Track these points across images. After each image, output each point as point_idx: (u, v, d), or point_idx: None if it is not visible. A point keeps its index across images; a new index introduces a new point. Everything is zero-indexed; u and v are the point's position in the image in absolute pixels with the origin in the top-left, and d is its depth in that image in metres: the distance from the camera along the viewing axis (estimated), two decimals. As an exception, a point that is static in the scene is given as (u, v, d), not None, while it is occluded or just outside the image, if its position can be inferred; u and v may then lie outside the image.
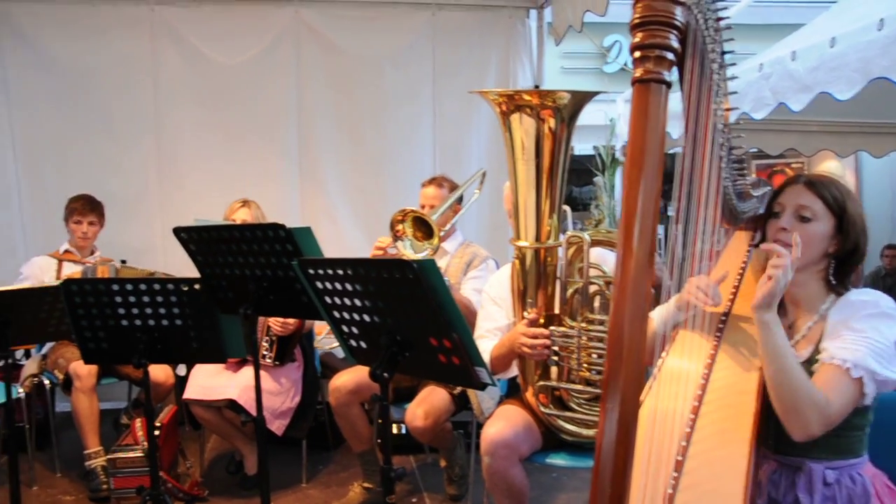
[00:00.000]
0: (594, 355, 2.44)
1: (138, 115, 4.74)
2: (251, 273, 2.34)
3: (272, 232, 2.20)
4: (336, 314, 2.03)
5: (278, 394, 3.55)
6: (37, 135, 4.67)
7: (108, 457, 3.55)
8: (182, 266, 4.63)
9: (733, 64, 1.68)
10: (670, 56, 1.37)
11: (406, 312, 1.82)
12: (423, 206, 3.55)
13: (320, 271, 1.94)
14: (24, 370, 3.99)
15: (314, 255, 2.21)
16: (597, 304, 2.51)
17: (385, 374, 1.89)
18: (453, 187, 3.64)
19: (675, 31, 1.37)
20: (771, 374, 1.66)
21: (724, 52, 1.66)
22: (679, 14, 1.37)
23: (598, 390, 2.46)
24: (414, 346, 1.88)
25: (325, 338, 3.82)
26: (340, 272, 1.88)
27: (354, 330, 2.03)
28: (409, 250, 3.11)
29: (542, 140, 2.37)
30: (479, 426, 3.44)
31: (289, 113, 4.85)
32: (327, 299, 2.00)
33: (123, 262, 4.16)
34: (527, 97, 2.37)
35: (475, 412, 3.31)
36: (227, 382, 3.47)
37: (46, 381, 3.92)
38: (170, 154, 4.80)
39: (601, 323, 2.44)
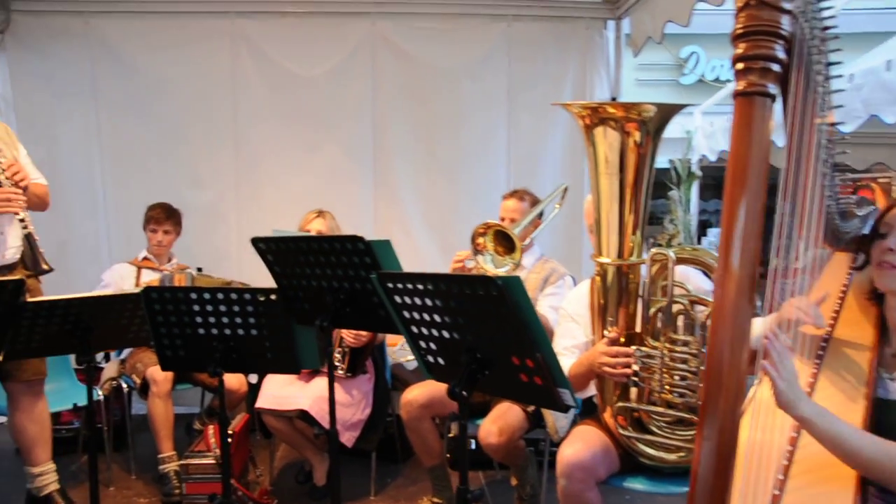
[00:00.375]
0: (677, 377, 2.35)
1: (218, 125, 4.83)
2: (328, 285, 2.32)
3: (350, 244, 2.18)
4: (414, 329, 1.99)
5: (349, 405, 3.54)
6: (122, 144, 4.81)
7: (182, 462, 3.60)
8: (257, 275, 4.66)
9: (839, 76, 1.59)
10: (776, 68, 1.31)
11: (488, 330, 1.77)
12: (502, 219, 3.51)
13: (399, 285, 1.91)
14: (103, 373, 4.08)
15: (393, 268, 2.18)
16: (680, 323, 2.42)
17: (464, 393, 1.84)
18: (534, 201, 3.58)
19: (780, 42, 1.30)
20: (843, 460, 1.53)
21: (829, 64, 1.57)
22: (785, 23, 1.31)
23: (680, 414, 2.37)
24: (495, 365, 1.83)
25: (399, 349, 3.79)
26: (420, 287, 1.85)
27: (433, 346, 1.99)
28: (489, 265, 3.06)
29: (626, 154, 2.30)
30: (553, 445, 3.39)
31: (364, 124, 4.88)
32: (406, 314, 1.97)
33: (199, 270, 4.23)
34: (611, 110, 2.31)
35: (549, 430, 3.24)
36: (299, 393, 3.48)
37: (124, 385, 4.00)
38: (247, 163, 4.88)
39: (685, 344, 2.34)
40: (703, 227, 9.77)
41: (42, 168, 3.48)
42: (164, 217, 4.14)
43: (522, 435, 3.23)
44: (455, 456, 3.85)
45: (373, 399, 3.71)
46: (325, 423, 3.39)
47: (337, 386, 3.47)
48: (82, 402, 3.29)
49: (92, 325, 2.62)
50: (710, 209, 10.89)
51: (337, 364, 3.53)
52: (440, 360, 2.02)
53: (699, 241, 9.07)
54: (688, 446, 2.38)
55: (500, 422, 3.07)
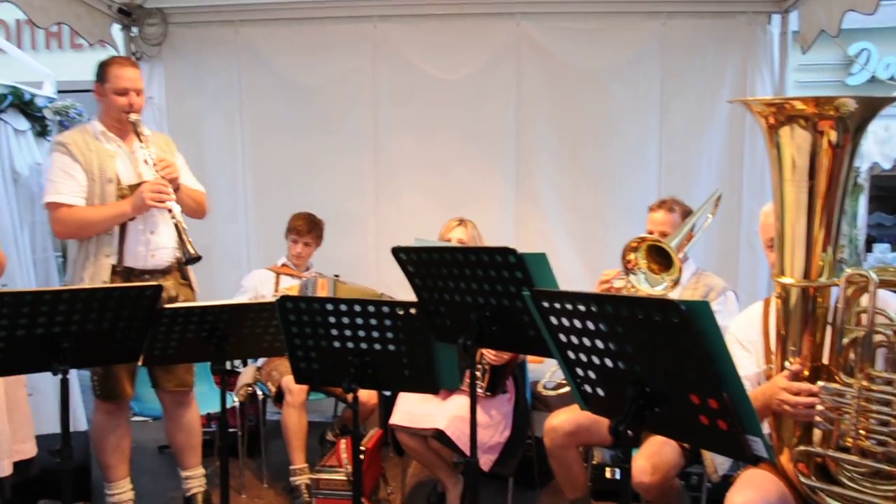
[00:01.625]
0: (875, 421, 2.01)
1: (358, 131, 4.76)
2: (473, 300, 2.12)
3: (501, 256, 1.97)
4: (570, 355, 1.76)
5: (488, 427, 3.33)
6: (265, 150, 4.83)
7: (313, 476, 3.52)
8: (394, 284, 4.58)
9: None
10: None
11: (662, 361, 1.52)
12: (650, 233, 3.21)
13: (557, 305, 1.68)
14: (239, 379, 4.08)
15: (548, 285, 1.95)
16: (880, 358, 2.07)
17: (629, 432, 1.59)
18: (685, 211, 3.28)
19: None
20: None
21: None
22: None
23: (879, 465, 2.01)
24: (668, 402, 1.57)
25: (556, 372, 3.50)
26: (582, 308, 1.61)
27: (591, 375, 1.75)
28: (643, 285, 2.78)
29: (818, 157, 1.99)
30: (712, 484, 3.06)
31: (507, 130, 4.65)
32: (562, 337, 1.74)
33: (336, 276, 4.15)
34: (801, 106, 1.99)
35: (707, 469, 2.92)
36: (435, 411, 3.30)
37: (259, 393, 3.97)
38: (387, 170, 4.78)
39: (888, 383, 1.99)
40: (867, 243, 8.96)
41: (189, 173, 3.50)
42: (306, 230, 4.12)
43: (678, 473, 2.92)
44: (597, 486, 3.57)
45: (512, 420, 3.49)
46: (462, 445, 3.21)
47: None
48: (216, 408, 3.34)
49: (227, 334, 2.56)
50: (871, 222, 9.97)
51: (476, 382, 3.32)
52: (599, 391, 1.78)
53: (865, 258, 8.31)
54: (889, 504, 2.02)
55: (654, 458, 2.77)
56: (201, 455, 3.50)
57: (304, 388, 3.66)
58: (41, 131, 4.56)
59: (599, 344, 1.65)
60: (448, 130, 4.70)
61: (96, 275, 3.10)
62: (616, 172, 4.62)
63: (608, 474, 3.77)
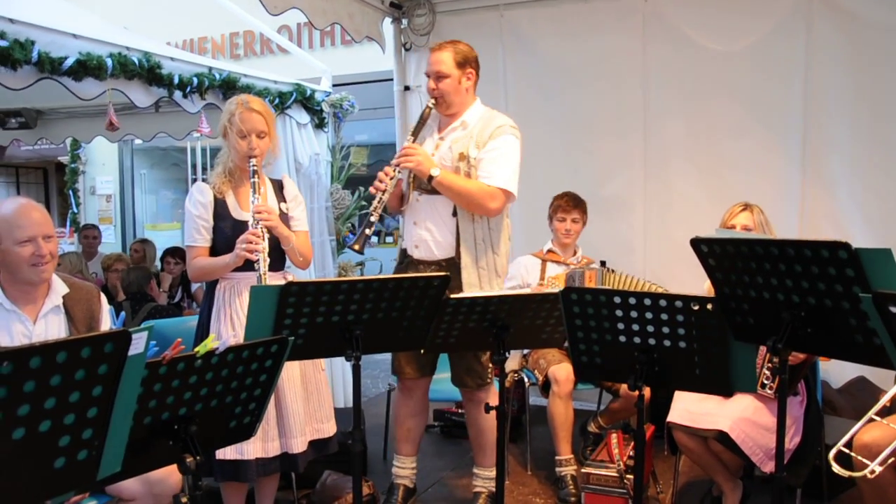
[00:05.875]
0: None
1: (626, 111, 4.58)
2: (785, 298, 1.88)
3: (828, 251, 1.71)
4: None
5: (776, 431, 3.02)
6: (529, 134, 4.74)
7: (583, 470, 3.42)
8: (662, 273, 4.37)
9: None
10: None
11: None
12: None
13: (909, 310, 1.42)
14: (506, 364, 4.05)
15: (892, 286, 1.66)
16: None
17: None
18: None
19: None
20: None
21: None
22: None
23: None
24: None
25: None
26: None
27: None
28: None
29: None
30: None
31: (793, 103, 4.20)
32: (911, 347, 1.47)
33: (603, 263, 4.02)
34: None
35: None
36: (717, 410, 3.05)
37: (526, 379, 3.95)
38: (658, 151, 4.55)
39: None
40: None
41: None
42: (572, 206, 4.01)
43: None
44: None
45: (803, 426, 3.15)
46: (748, 450, 2.97)
47: (762, 408, 3.04)
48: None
49: (508, 324, 2.52)
50: None
51: (765, 381, 3.04)
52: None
53: None
54: None
55: None
56: (493, 457, 3.36)
57: (572, 377, 3.57)
58: (319, 123, 4.88)
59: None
60: (725, 108, 4.37)
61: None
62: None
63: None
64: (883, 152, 4.07)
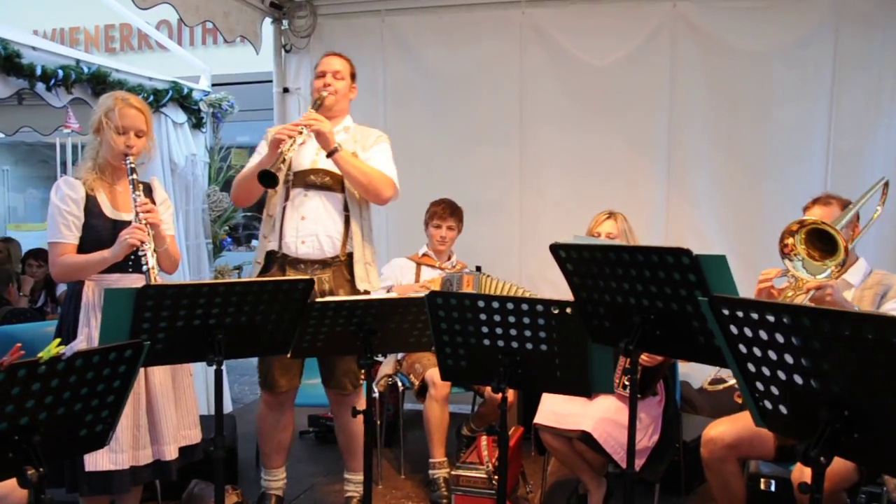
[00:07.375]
0: None
1: (503, 119, 4.66)
2: (636, 302, 1.97)
3: (673, 258, 1.80)
4: (751, 367, 1.59)
5: (636, 430, 3.14)
6: (408, 139, 4.78)
7: (453, 472, 3.45)
8: (538, 278, 4.48)
9: None
10: None
11: (870, 385, 1.32)
12: None
13: (739, 314, 1.51)
14: (380, 369, 4.06)
15: (727, 290, 1.77)
16: None
17: (822, 460, 1.42)
18: (844, 204, 2.93)
19: None
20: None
21: None
22: None
23: None
24: (871, 429, 1.37)
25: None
26: (771, 319, 1.44)
27: (774, 391, 1.57)
28: (801, 272, 2.51)
29: None
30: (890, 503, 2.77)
31: (659, 117, 4.41)
32: (742, 348, 1.57)
33: (478, 268, 4.08)
34: None
35: (888, 486, 2.63)
36: (581, 411, 3.16)
37: (400, 384, 3.96)
38: (533, 159, 4.65)
39: None
40: None
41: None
42: (447, 213, 4.06)
43: (847, 487, 2.66)
44: (752, 499, 3.32)
45: (661, 424, 3.30)
46: (610, 448, 3.07)
47: (622, 408, 3.14)
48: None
49: (375, 328, 2.52)
50: None
51: (626, 384, 3.16)
52: (782, 409, 1.59)
53: None
54: None
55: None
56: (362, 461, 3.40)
57: (449, 382, 3.61)
58: (196, 123, 4.75)
59: (789, 359, 1.47)
60: (597, 117, 4.52)
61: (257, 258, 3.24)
62: (777, 162, 4.28)
63: (762, 486, 3.52)
64: (739, 168, 4.34)
